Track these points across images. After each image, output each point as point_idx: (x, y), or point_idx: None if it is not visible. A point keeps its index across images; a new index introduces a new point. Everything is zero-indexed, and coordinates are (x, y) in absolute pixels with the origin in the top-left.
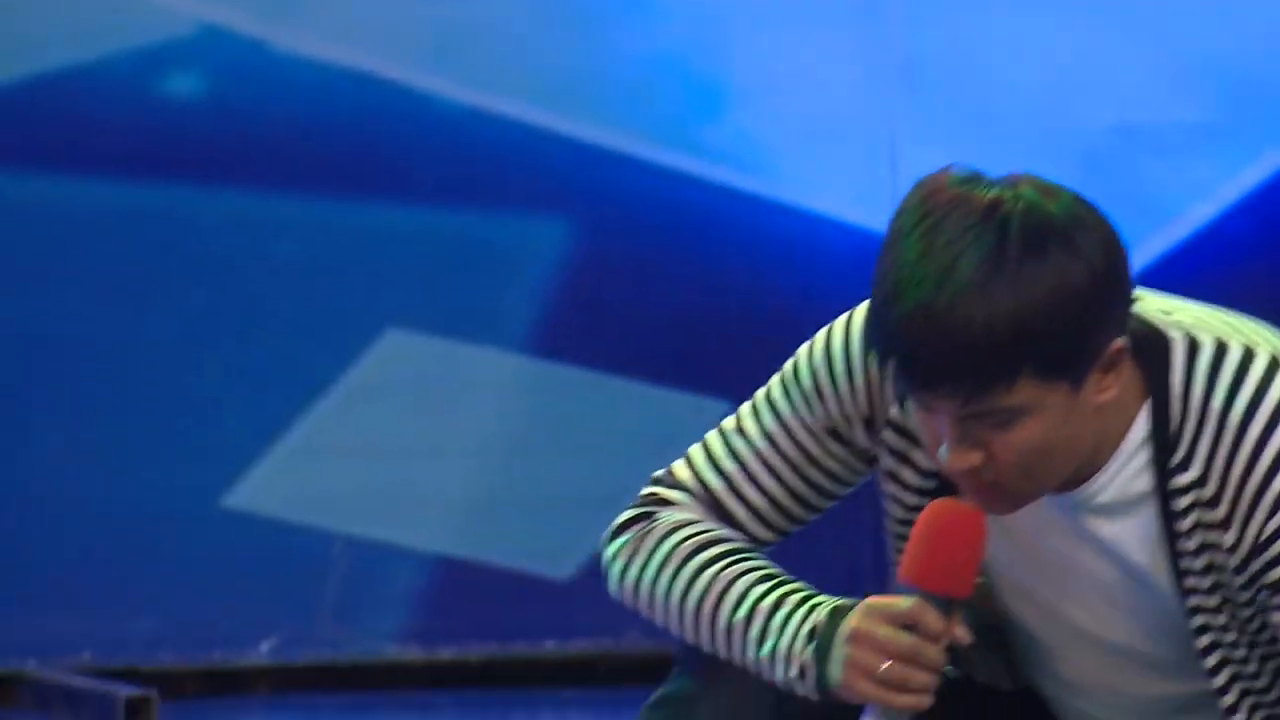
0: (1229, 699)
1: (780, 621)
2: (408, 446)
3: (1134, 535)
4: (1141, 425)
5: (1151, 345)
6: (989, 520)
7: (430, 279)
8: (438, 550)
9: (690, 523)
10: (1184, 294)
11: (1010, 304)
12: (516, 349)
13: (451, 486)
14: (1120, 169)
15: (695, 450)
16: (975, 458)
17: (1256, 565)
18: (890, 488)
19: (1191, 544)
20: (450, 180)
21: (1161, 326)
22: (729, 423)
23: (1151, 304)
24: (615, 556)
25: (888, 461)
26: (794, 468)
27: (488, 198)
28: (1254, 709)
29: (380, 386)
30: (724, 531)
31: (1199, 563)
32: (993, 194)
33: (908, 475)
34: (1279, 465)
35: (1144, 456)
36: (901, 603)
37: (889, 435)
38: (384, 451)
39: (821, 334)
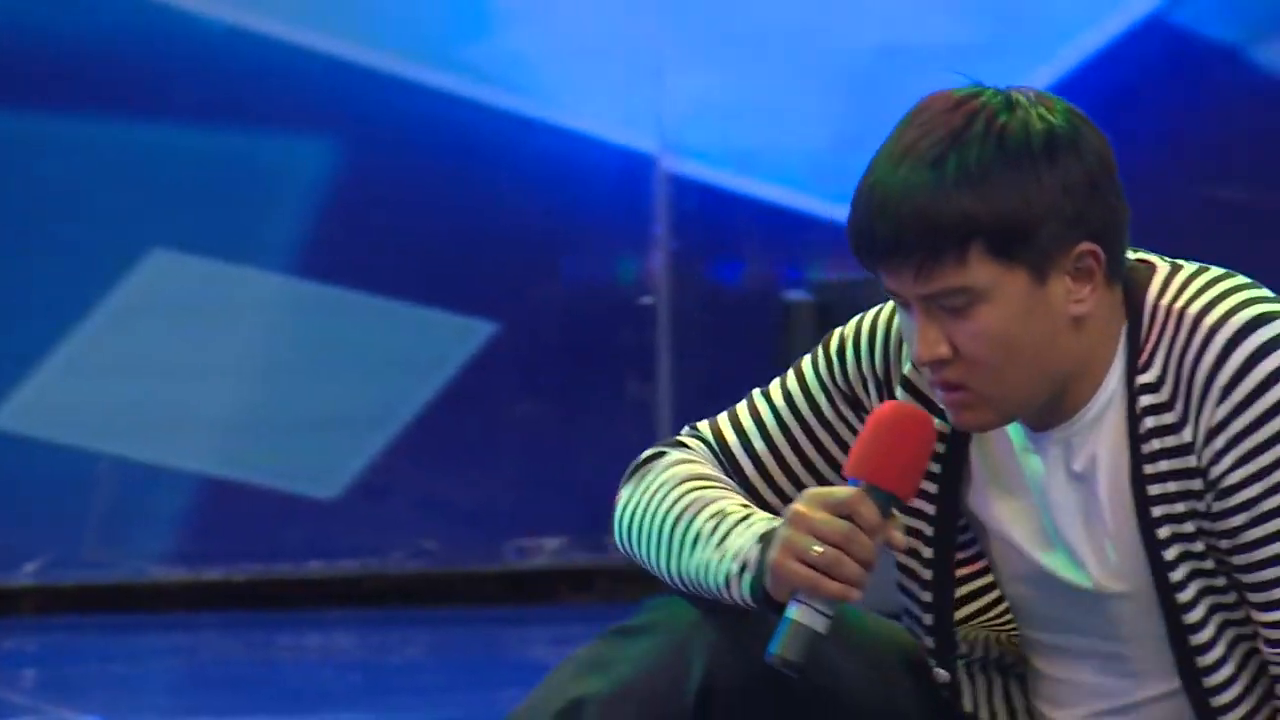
0: (1196, 615)
1: (743, 528)
2: (173, 367)
3: (1102, 447)
4: (1122, 349)
5: (1139, 272)
6: (977, 470)
7: (195, 199)
8: (203, 471)
9: (693, 461)
10: None
11: (960, 176)
12: (282, 269)
13: (217, 407)
14: (887, 90)
15: (725, 411)
16: (942, 349)
17: (1207, 457)
18: None
19: (1152, 446)
20: (214, 100)
21: (1153, 259)
22: (760, 388)
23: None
24: (620, 498)
25: None
26: (806, 428)
27: (252, 118)
28: (1223, 627)
29: (146, 307)
30: (724, 477)
31: (1162, 466)
32: (975, 90)
33: None
34: (1228, 353)
35: (1118, 370)
36: (842, 492)
37: (901, 395)
38: (150, 372)
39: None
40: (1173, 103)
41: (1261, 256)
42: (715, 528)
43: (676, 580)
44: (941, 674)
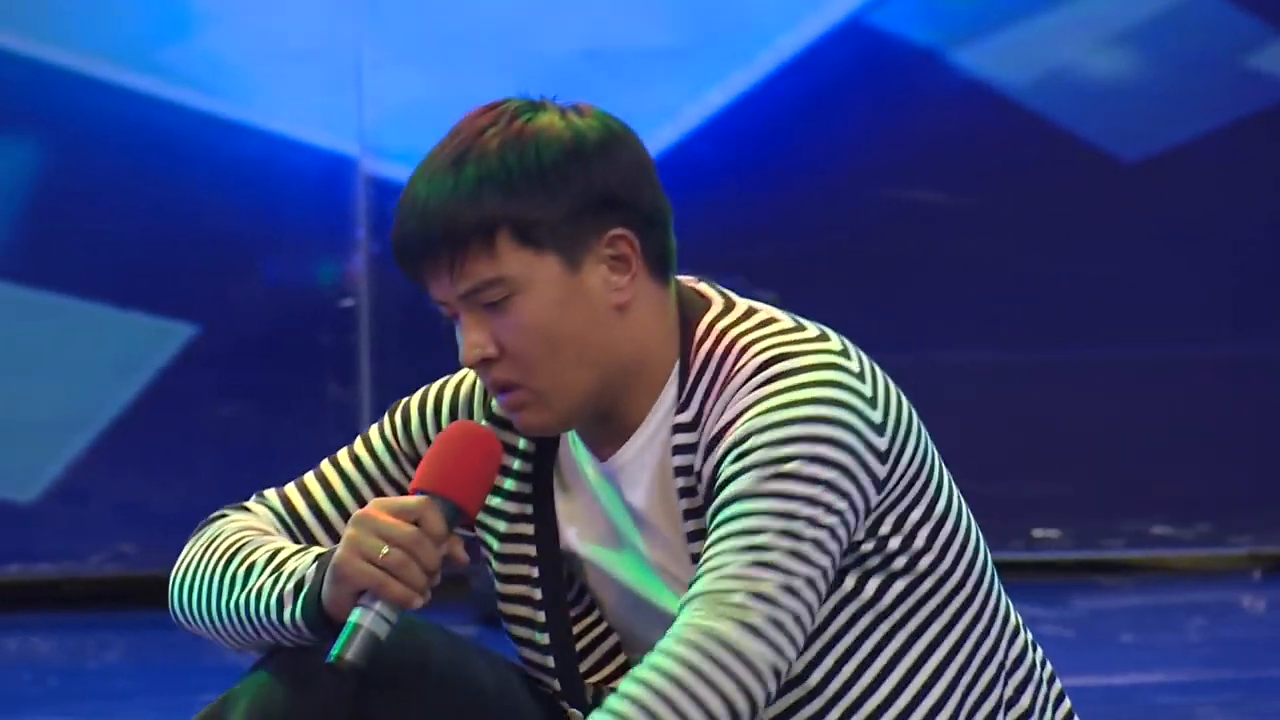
0: None
1: (301, 554)
2: None
3: (651, 485)
4: (673, 384)
5: (693, 306)
6: (562, 508)
7: None
8: None
9: (251, 519)
10: None
11: (480, 171)
12: None
13: None
14: (585, 92)
15: (293, 481)
16: (488, 348)
17: (709, 470)
18: (482, 511)
19: (679, 484)
20: None
21: (709, 293)
22: (329, 458)
23: (735, 294)
24: (178, 560)
25: None
26: (374, 488)
27: None
28: None
29: None
30: (282, 534)
31: (684, 504)
32: (505, 100)
33: (506, 481)
34: (750, 380)
35: (667, 408)
36: (409, 500)
37: None
38: None
39: None
40: (871, 105)
41: (958, 257)
42: (271, 558)
43: (228, 622)
44: (576, 715)
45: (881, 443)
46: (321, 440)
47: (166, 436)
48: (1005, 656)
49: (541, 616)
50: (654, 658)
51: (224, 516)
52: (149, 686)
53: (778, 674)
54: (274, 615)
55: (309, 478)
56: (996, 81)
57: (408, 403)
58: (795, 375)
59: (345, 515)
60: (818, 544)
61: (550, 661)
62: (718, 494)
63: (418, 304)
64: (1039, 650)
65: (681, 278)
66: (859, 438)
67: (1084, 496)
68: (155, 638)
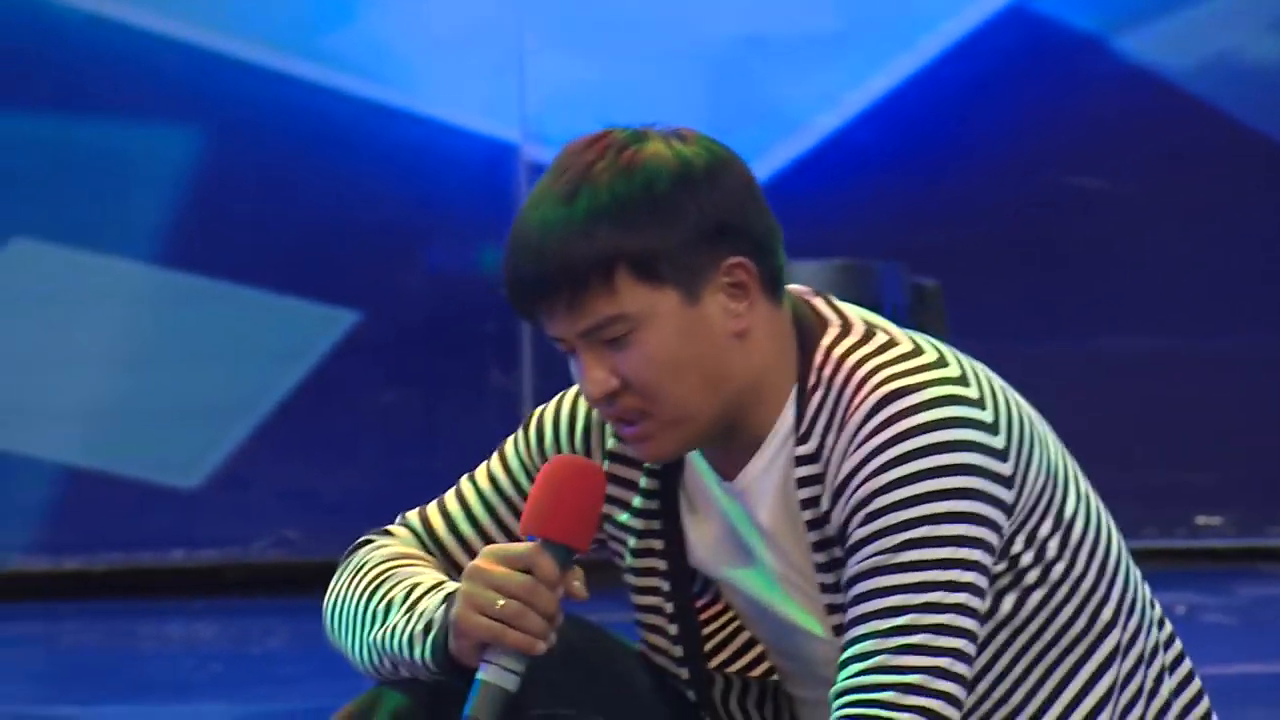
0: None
1: (435, 592)
2: (35, 356)
3: (777, 509)
4: (790, 409)
5: (810, 327)
6: (690, 528)
7: (57, 188)
8: (65, 461)
9: (395, 545)
10: (810, 202)
11: (592, 206)
12: (144, 258)
13: (79, 397)
14: (748, 79)
15: (434, 500)
16: (610, 381)
17: (840, 517)
18: (612, 525)
19: (808, 515)
20: (75, 88)
21: (826, 313)
22: (468, 474)
23: (852, 310)
24: (329, 588)
25: (610, 489)
26: (511, 507)
27: (114, 106)
28: None
29: (7, 296)
30: (426, 557)
31: (813, 536)
32: (607, 130)
33: (634, 499)
34: (869, 419)
35: (785, 433)
36: (520, 547)
37: (609, 466)
38: (11, 362)
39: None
40: (1033, 91)
41: (1120, 243)
42: (408, 595)
43: (370, 655)
44: None
45: (1006, 468)
46: (483, 426)
47: (329, 423)
48: (1144, 646)
49: (674, 629)
50: None
51: (370, 543)
52: (313, 671)
53: None
54: (407, 653)
55: (449, 497)
56: (1159, 67)
57: (541, 414)
58: (914, 414)
59: (483, 535)
60: (960, 608)
61: (685, 672)
62: (850, 553)
63: None
64: (1166, 628)
65: (793, 288)
66: (984, 475)
67: (1247, 484)
68: (319, 623)
